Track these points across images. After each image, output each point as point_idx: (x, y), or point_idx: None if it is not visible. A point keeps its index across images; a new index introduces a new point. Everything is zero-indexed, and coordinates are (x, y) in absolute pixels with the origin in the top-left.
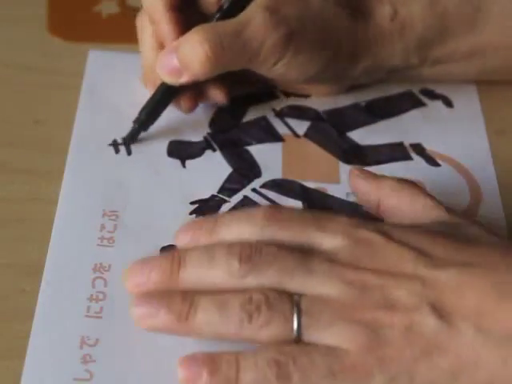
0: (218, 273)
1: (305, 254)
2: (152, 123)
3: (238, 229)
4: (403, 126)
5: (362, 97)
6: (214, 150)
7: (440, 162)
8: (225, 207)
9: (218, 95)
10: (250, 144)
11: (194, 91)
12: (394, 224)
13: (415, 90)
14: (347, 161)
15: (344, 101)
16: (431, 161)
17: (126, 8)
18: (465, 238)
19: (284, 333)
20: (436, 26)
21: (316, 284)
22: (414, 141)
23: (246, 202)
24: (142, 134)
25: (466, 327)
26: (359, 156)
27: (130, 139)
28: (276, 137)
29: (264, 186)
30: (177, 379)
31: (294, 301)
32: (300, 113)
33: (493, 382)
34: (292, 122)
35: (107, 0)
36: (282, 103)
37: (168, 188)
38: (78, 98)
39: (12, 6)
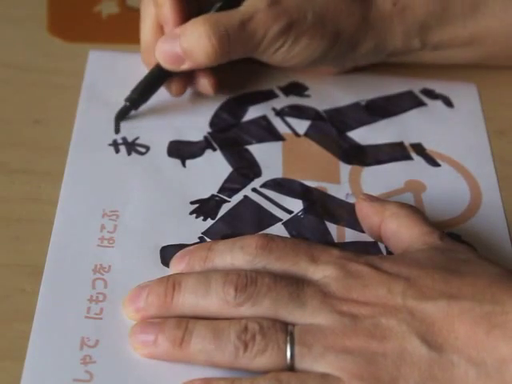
0: (213, 300)
1: (298, 285)
2: (143, 103)
3: (231, 258)
4: (403, 125)
5: (363, 96)
6: (215, 150)
7: (440, 162)
8: (225, 207)
9: (206, 86)
10: (250, 143)
11: (185, 76)
12: (384, 256)
13: (415, 89)
14: (347, 161)
15: (344, 100)
16: (431, 161)
17: (126, 8)
18: (454, 264)
19: (277, 362)
20: (437, 12)
21: (308, 316)
22: (415, 141)
23: (247, 202)
24: (143, 136)
25: (458, 359)
26: (359, 156)
27: (120, 117)
28: (276, 136)
29: (264, 185)
30: (176, 380)
31: (287, 330)
32: (300, 112)
33: None
34: (292, 121)
35: (107, 0)
36: (282, 102)
37: (168, 188)
38: (77, 98)
39: (12, 6)
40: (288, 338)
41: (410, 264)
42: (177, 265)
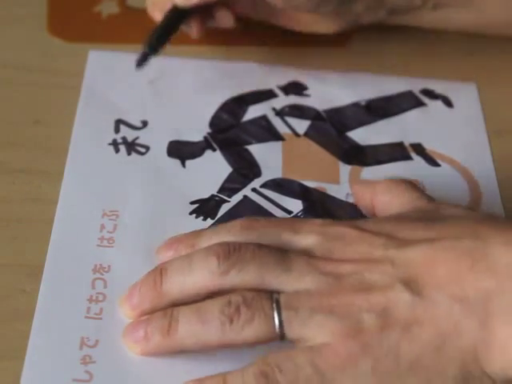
0: (198, 274)
1: (282, 252)
2: (162, 46)
3: (217, 239)
4: (403, 125)
5: (363, 96)
6: (214, 150)
7: (440, 162)
8: (225, 207)
9: (225, 18)
10: (250, 143)
11: (203, 15)
12: (367, 219)
13: (415, 89)
14: (347, 161)
15: (344, 100)
16: (431, 161)
17: (126, 8)
18: (437, 218)
19: (267, 330)
20: None
21: (294, 280)
22: (414, 141)
23: (246, 202)
24: (142, 136)
25: (441, 297)
26: (359, 156)
27: (140, 63)
28: (276, 136)
29: (264, 185)
30: (175, 380)
31: (273, 298)
32: (300, 112)
33: (475, 347)
34: (292, 121)
35: (107, 0)
36: (282, 102)
37: (168, 188)
38: (77, 98)
39: (12, 6)
40: (274, 305)
41: (390, 221)
42: (163, 252)
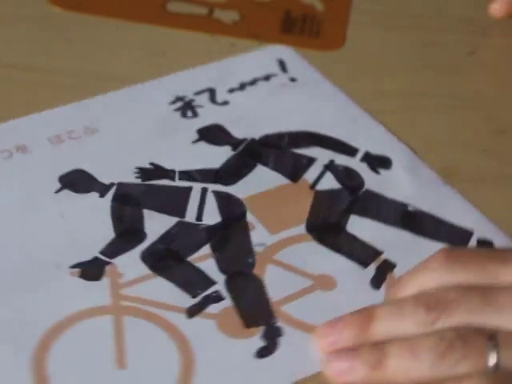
0: (407, 324)
1: (490, 291)
2: None
3: (417, 284)
4: None
5: None
6: None
7: None
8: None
9: None
10: None
11: None
12: None
13: None
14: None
15: None
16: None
17: None
18: None
19: (479, 368)
20: None
21: (509, 320)
22: None
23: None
24: None
25: None
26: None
27: None
28: None
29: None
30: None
31: (489, 334)
32: None
33: None
34: None
35: None
36: None
37: None
38: (78, 97)
39: (12, 6)
40: (492, 342)
41: None
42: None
